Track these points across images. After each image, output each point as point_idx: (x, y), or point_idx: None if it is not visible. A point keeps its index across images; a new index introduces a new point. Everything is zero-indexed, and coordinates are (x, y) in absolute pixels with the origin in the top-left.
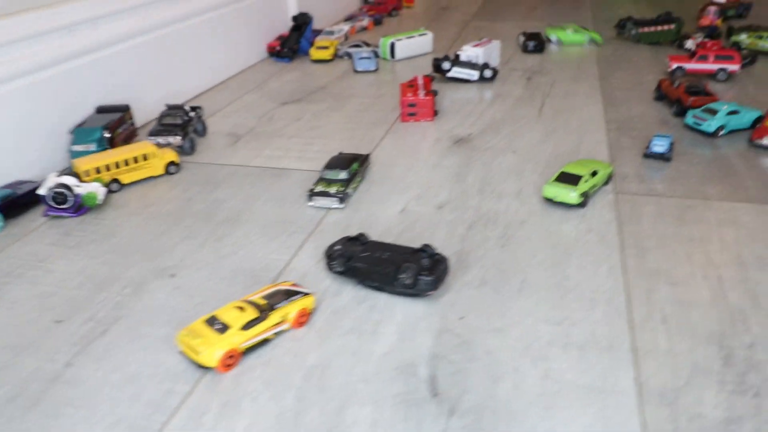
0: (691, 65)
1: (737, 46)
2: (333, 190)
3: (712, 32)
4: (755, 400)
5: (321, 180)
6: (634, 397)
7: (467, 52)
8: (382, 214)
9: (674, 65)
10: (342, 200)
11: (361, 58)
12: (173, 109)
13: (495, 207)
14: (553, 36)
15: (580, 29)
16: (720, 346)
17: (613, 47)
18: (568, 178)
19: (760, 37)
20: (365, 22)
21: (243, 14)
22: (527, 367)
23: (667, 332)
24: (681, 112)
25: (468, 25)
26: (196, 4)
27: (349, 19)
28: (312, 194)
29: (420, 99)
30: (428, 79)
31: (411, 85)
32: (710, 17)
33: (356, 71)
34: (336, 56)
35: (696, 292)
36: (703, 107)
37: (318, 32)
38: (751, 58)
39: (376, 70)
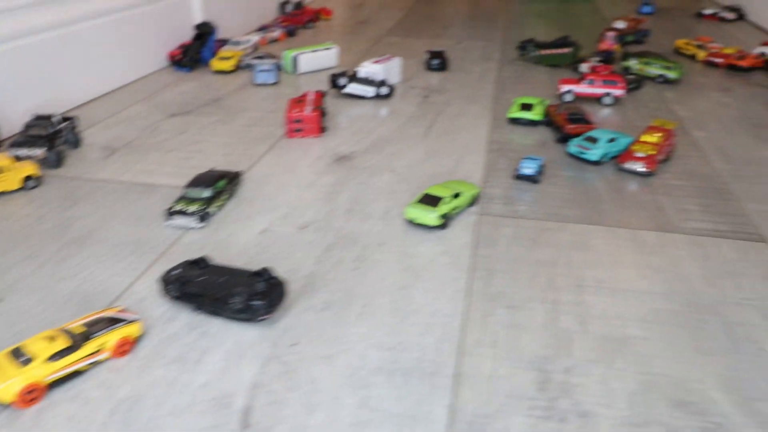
0: (580, 89)
1: (627, 71)
2: (192, 208)
3: (607, 57)
4: (559, 425)
5: (182, 198)
6: (444, 424)
7: (366, 69)
8: (242, 234)
9: (564, 88)
10: (202, 219)
11: (261, 71)
12: (40, 119)
13: (358, 228)
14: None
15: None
16: (540, 370)
17: (514, 68)
18: (430, 200)
19: (648, 63)
20: (277, 33)
21: (140, 20)
22: (346, 396)
23: (494, 357)
24: (562, 139)
25: (381, 40)
26: (86, 7)
27: (262, 29)
28: (170, 213)
29: (306, 115)
30: (320, 94)
31: (300, 101)
32: (608, 42)
33: (255, 84)
34: (239, 67)
35: (530, 316)
36: (583, 135)
37: (224, 42)
38: (637, 83)
39: (275, 83)
